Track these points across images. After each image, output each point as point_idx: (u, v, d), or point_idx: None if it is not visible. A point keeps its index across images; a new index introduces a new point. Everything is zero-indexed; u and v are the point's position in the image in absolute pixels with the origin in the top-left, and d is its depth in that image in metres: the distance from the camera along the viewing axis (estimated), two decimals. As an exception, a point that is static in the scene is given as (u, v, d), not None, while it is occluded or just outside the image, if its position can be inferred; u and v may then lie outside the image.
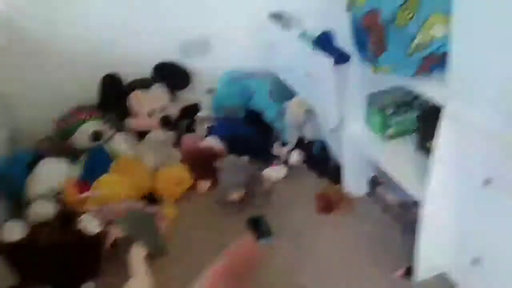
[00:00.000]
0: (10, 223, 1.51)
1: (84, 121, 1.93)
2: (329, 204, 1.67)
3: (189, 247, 1.62)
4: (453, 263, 1.27)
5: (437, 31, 1.03)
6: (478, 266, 1.11)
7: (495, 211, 1.02)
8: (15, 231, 1.49)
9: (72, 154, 1.95)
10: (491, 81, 0.93)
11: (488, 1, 0.87)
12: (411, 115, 1.49)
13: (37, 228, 1.54)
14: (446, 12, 1.00)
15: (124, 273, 1.47)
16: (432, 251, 1.28)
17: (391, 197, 1.60)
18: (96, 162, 1.90)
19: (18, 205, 1.78)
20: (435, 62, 1.09)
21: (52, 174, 1.80)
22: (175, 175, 1.85)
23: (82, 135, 1.93)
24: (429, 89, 1.12)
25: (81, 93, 2.01)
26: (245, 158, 1.87)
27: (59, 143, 1.96)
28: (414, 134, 1.45)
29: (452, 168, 1.12)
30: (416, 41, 1.06)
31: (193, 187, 1.90)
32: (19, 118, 2.00)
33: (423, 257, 1.28)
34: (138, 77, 2.08)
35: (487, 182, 1.00)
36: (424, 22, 1.04)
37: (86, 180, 1.81)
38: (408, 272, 1.34)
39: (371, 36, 1.16)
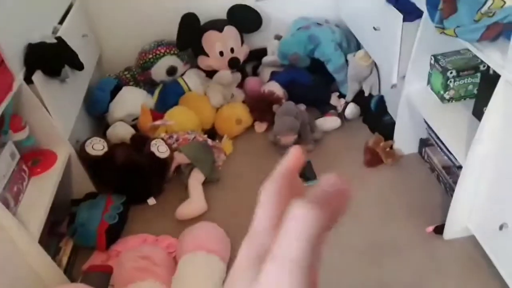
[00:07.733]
0: (93, 140, 1.65)
1: (162, 56, 2.07)
2: (376, 158, 1.70)
3: (238, 179, 1.77)
4: (481, 227, 1.28)
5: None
6: (505, 231, 1.13)
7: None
8: (97, 147, 1.64)
9: (149, 85, 2.13)
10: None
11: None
12: (473, 80, 1.44)
13: (115, 147, 1.69)
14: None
15: (182, 194, 1.68)
16: (464, 214, 1.31)
17: (438, 159, 1.60)
18: (169, 94, 2.07)
19: (101, 125, 2.02)
20: (500, 30, 1.04)
21: (131, 101, 1.98)
22: (236, 114, 1.98)
23: (160, 69, 2.07)
24: (490, 56, 1.09)
25: (163, 29, 2.13)
26: (302, 106, 1.92)
27: (139, 74, 2.13)
28: (473, 99, 1.42)
29: (496, 136, 1.12)
30: (485, 7, 1.02)
31: (251, 127, 2.02)
32: (107, 48, 2.20)
33: (455, 218, 1.32)
34: (214, 18, 2.15)
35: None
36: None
37: (159, 110, 2.00)
38: (439, 230, 1.38)
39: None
